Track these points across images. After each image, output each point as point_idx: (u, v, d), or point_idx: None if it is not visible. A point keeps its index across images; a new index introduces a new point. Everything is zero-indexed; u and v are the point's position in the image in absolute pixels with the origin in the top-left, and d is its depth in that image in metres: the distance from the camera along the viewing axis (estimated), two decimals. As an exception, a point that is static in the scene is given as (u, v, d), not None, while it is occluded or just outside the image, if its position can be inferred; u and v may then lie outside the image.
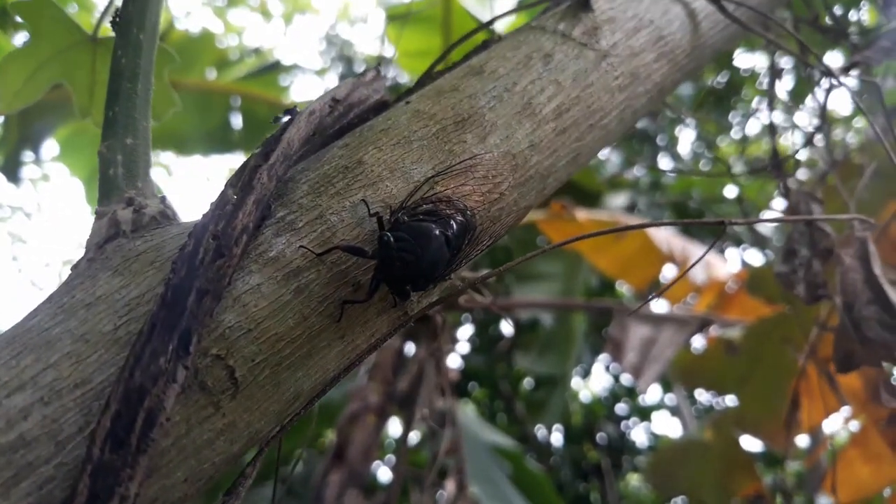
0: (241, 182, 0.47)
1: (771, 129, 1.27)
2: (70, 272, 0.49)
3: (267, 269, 0.47)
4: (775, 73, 1.21)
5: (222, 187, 0.48)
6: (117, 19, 0.58)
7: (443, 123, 0.58)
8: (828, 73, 0.83)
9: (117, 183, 0.51)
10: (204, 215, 0.46)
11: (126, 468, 0.37)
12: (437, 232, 0.49)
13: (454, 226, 0.51)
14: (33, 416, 0.39)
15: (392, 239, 0.47)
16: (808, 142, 1.02)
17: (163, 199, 0.53)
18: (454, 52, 0.73)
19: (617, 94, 0.68)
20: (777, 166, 1.21)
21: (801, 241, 0.99)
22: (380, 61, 0.66)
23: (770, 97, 1.20)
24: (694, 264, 0.63)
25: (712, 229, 4.27)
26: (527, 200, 0.62)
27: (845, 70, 0.98)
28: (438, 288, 0.56)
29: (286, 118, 0.54)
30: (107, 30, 0.80)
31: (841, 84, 0.84)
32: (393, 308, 0.53)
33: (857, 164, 1.39)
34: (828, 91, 0.93)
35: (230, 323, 0.45)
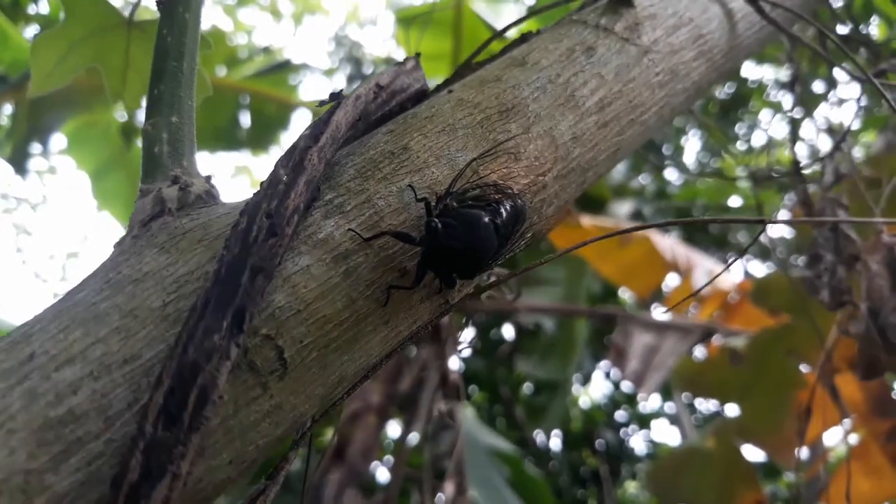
0: (291, 162, 0.47)
1: (792, 135, 1.27)
2: (114, 249, 0.48)
3: (316, 251, 0.46)
4: (796, 78, 1.20)
5: (273, 167, 0.47)
6: (162, -1, 0.58)
7: (487, 112, 0.58)
8: (863, 75, 0.83)
9: (162, 161, 0.51)
10: (256, 194, 0.46)
11: (179, 445, 0.36)
12: (487, 219, 0.49)
13: (503, 212, 0.50)
14: (83, 391, 0.38)
15: (440, 225, 0.47)
16: (837, 146, 1.02)
17: (208, 178, 0.52)
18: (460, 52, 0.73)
19: (657, 90, 0.68)
20: (797, 173, 1.21)
21: (825, 247, 0.99)
22: (418, 53, 0.66)
23: (794, 101, 1.20)
24: (734, 260, 0.62)
25: (717, 239, 4.27)
26: (567, 193, 0.61)
27: (878, 75, 0.97)
28: (479, 277, 0.55)
29: (332, 101, 0.54)
30: (143, 13, 0.79)
31: (874, 84, 0.83)
32: (435, 295, 0.53)
33: (869, 177, 1.39)
34: (859, 97, 0.93)
35: (280, 303, 0.44)
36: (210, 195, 0.50)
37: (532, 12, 0.76)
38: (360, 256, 0.48)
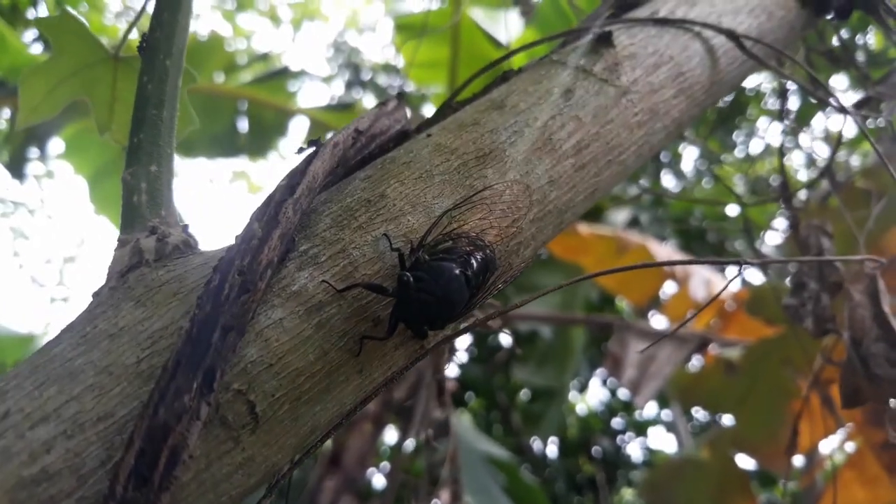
0: (266, 216, 0.47)
1: (780, 160, 1.27)
2: (91, 299, 0.49)
3: (290, 304, 0.47)
4: (785, 105, 1.21)
5: (247, 221, 0.48)
6: (143, 45, 0.59)
7: (464, 158, 0.59)
8: (842, 109, 0.84)
9: (141, 211, 0.52)
10: (229, 249, 0.47)
11: (148, 506, 0.37)
12: (457, 272, 0.50)
13: (474, 264, 0.51)
14: (56, 450, 0.39)
15: (411, 279, 0.48)
16: (822, 174, 1.02)
17: (185, 227, 0.53)
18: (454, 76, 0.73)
19: (636, 130, 0.69)
20: (787, 199, 1.22)
21: (809, 275, 0.99)
22: (400, 92, 0.66)
23: (781, 121, 1.21)
24: (714, 298, 0.63)
25: (714, 247, 4.27)
26: (544, 235, 0.62)
27: (859, 106, 0.98)
28: (455, 325, 0.56)
29: (310, 149, 0.55)
30: (129, 48, 0.80)
31: (854, 119, 0.84)
32: (410, 341, 0.54)
33: (861, 189, 1.39)
34: (840, 128, 0.94)
35: (252, 357, 0.45)
36: (188, 244, 0.51)
37: (512, 51, 0.77)
38: (333, 308, 0.48)
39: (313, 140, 0.55)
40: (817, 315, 0.98)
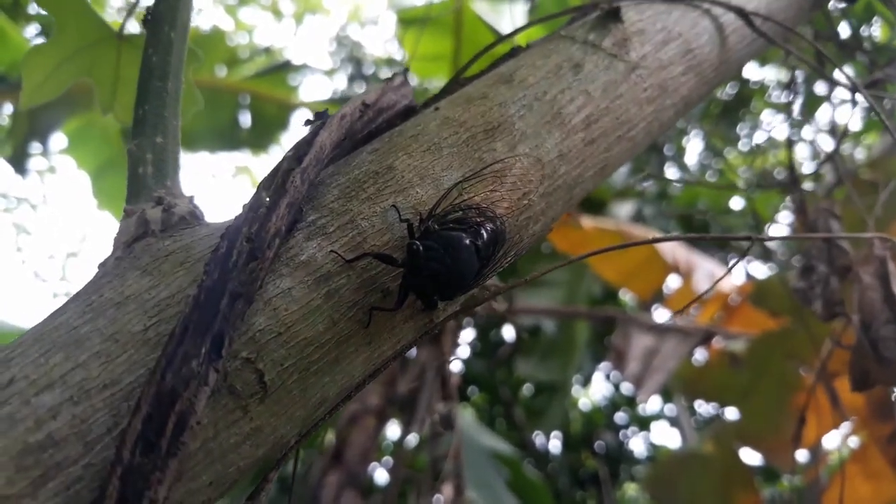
0: (274, 185, 0.47)
1: (788, 144, 1.27)
2: (97, 270, 0.48)
3: (298, 273, 0.47)
4: (794, 88, 1.20)
5: (255, 189, 0.47)
6: (148, 17, 0.58)
7: (472, 131, 0.58)
8: (853, 88, 0.83)
9: (146, 181, 0.51)
10: (237, 217, 0.46)
11: (156, 472, 0.37)
12: (468, 241, 0.49)
13: (484, 235, 0.51)
14: (62, 416, 0.38)
15: (421, 248, 0.47)
16: (829, 157, 1.02)
17: (191, 199, 0.52)
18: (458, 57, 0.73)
19: (645, 106, 0.68)
20: (794, 182, 1.21)
21: (818, 258, 0.99)
22: (406, 68, 0.66)
23: (788, 112, 1.20)
24: (721, 278, 0.62)
25: (717, 241, 4.27)
26: (554, 210, 0.61)
27: (868, 86, 0.97)
28: (465, 296, 0.55)
29: (317, 121, 0.54)
30: (133, 28, 0.79)
31: (865, 97, 0.83)
32: (419, 314, 0.53)
33: (867, 180, 1.38)
34: (851, 105, 0.93)
35: (261, 326, 0.44)
36: (194, 216, 0.51)
37: (519, 29, 0.76)
38: (342, 278, 0.48)
39: (320, 112, 0.55)
40: (826, 298, 0.97)
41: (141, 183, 0.51)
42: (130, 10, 0.76)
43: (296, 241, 0.48)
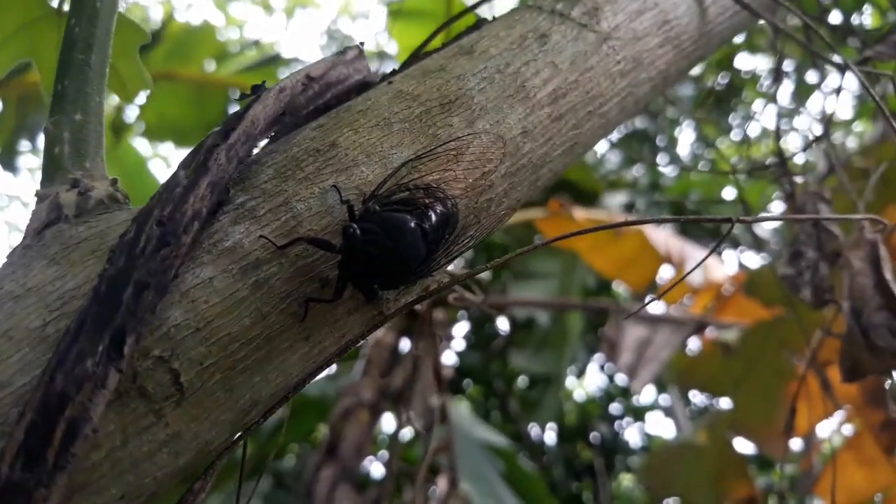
0: (195, 163, 0.42)
1: (776, 129, 1.22)
2: (5, 260, 0.44)
3: (221, 261, 0.42)
4: (780, 69, 1.16)
5: (174, 169, 0.43)
6: (72, -16, 0.53)
7: (427, 105, 0.53)
8: (844, 65, 0.78)
9: (62, 163, 0.46)
10: (151, 198, 0.41)
11: (40, 488, 0.32)
12: (413, 224, 0.44)
13: (432, 217, 0.46)
14: (-59, 425, 0.34)
15: (358, 231, 0.42)
16: (819, 139, 0.97)
17: (114, 181, 0.47)
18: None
19: (618, 79, 0.63)
20: (782, 165, 1.17)
21: (807, 243, 0.94)
22: (362, 42, 0.61)
23: (774, 93, 1.15)
24: (700, 263, 0.58)
25: (711, 231, 4.24)
26: (518, 192, 0.57)
27: (859, 64, 0.93)
28: (419, 286, 0.50)
29: (252, 95, 0.49)
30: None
31: (856, 74, 0.79)
32: (365, 306, 0.48)
33: (859, 168, 1.34)
34: (838, 88, 0.88)
35: (176, 321, 0.40)
36: (113, 199, 0.46)
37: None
38: (272, 266, 0.43)
39: (256, 85, 0.50)
40: (815, 285, 0.93)
41: (56, 164, 0.46)
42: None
43: (220, 225, 0.43)
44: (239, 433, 0.44)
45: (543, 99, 0.58)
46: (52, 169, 0.46)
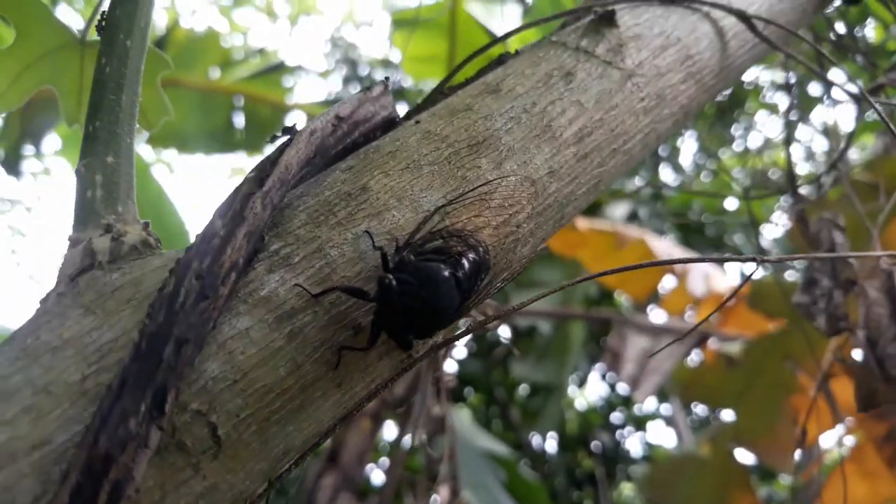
0: (231, 212, 0.42)
1: (787, 154, 1.22)
2: (38, 306, 0.44)
3: (257, 311, 0.42)
4: (793, 94, 1.16)
5: (210, 217, 0.43)
6: (102, 24, 0.53)
7: (455, 147, 0.53)
8: (861, 96, 0.79)
9: (95, 207, 0.46)
10: (188, 249, 0.41)
11: (86, 551, 0.32)
12: (447, 273, 0.44)
13: (466, 265, 0.46)
14: (-17, 484, 0.34)
15: (394, 282, 0.42)
16: (833, 165, 0.97)
17: (145, 225, 0.48)
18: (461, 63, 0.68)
19: (642, 116, 0.63)
20: (792, 187, 1.17)
21: (822, 271, 0.94)
22: (387, 77, 0.61)
23: (787, 116, 1.16)
24: (727, 300, 0.58)
25: (713, 240, 4.24)
26: (543, 231, 0.57)
27: (873, 91, 0.93)
28: (448, 330, 0.51)
29: (284, 138, 0.49)
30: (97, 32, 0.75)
31: (872, 106, 0.79)
32: (395, 350, 0.48)
33: (865, 182, 1.34)
34: (857, 111, 0.89)
35: (213, 373, 0.40)
36: (146, 245, 0.46)
37: (511, 32, 0.71)
38: (307, 315, 0.43)
39: (288, 127, 0.50)
40: (830, 313, 0.93)
41: (89, 208, 0.46)
42: (93, 14, 0.71)
43: (256, 273, 0.43)
44: (269, 481, 0.44)
45: (569, 138, 0.58)
46: (84, 213, 0.46)
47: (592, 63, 0.62)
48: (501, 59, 0.66)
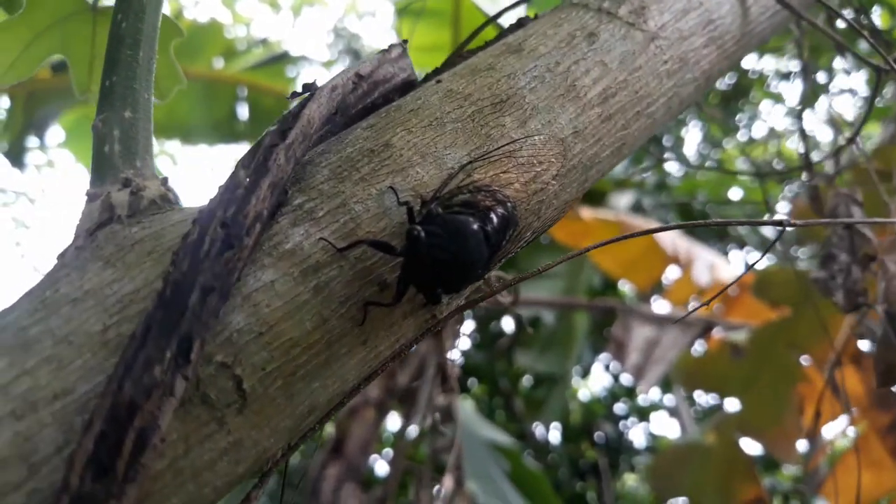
0: (254, 163, 0.41)
1: (801, 129, 1.21)
2: (55, 262, 0.42)
3: (282, 264, 0.41)
4: (809, 67, 1.15)
5: (233, 168, 0.41)
6: (117, -22, 0.52)
7: (479, 105, 0.52)
8: (886, 68, 0.77)
9: (113, 161, 0.45)
10: (211, 200, 0.40)
11: (111, 500, 0.31)
12: (476, 227, 0.43)
13: (494, 220, 0.45)
14: (3, 433, 0.33)
15: (423, 234, 0.41)
16: (852, 140, 0.96)
17: (164, 180, 0.46)
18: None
19: (665, 79, 0.62)
20: (808, 168, 1.16)
21: (840, 246, 0.93)
22: (405, 40, 0.60)
23: (803, 93, 1.14)
24: (747, 271, 0.56)
25: (718, 233, 4.22)
26: (568, 193, 0.56)
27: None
28: (471, 287, 0.49)
29: (305, 94, 0.48)
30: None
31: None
32: (420, 309, 0.47)
33: (877, 169, 1.33)
34: (874, 90, 0.87)
35: (238, 325, 0.38)
36: (166, 199, 0.45)
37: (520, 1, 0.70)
38: (332, 269, 0.42)
39: (308, 84, 0.49)
40: (848, 288, 0.91)
41: (107, 163, 0.45)
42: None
43: (279, 227, 0.42)
44: (295, 439, 0.43)
45: (594, 98, 0.56)
46: (102, 168, 0.45)
47: (615, 24, 0.61)
48: (521, 22, 0.64)
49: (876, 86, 0.88)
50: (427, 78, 0.60)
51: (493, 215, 0.45)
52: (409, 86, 0.59)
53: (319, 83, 0.49)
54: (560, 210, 0.55)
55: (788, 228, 0.57)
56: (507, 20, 0.73)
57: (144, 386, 0.33)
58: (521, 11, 0.78)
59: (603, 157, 0.58)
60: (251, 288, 0.39)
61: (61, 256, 0.43)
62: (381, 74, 0.55)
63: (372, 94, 0.54)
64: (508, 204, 0.46)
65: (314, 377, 0.41)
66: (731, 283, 0.59)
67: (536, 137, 0.51)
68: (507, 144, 0.49)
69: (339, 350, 0.42)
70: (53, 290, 0.39)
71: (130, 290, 0.38)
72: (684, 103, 0.67)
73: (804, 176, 1.18)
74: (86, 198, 0.44)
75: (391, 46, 0.59)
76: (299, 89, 0.49)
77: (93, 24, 0.73)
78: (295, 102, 0.48)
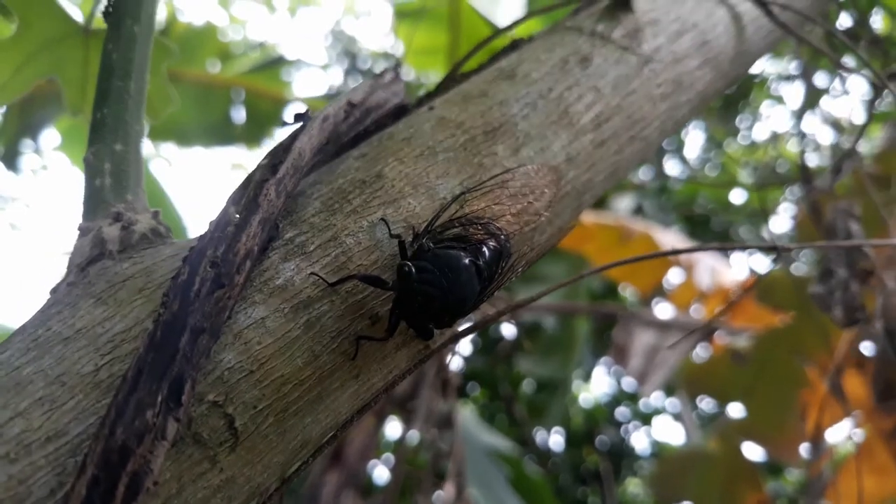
0: (245, 199, 0.41)
1: (801, 146, 1.21)
2: (48, 297, 0.43)
3: (273, 300, 0.41)
4: (809, 80, 1.15)
5: (224, 204, 0.42)
6: (109, 9, 0.52)
7: (471, 133, 0.52)
8: (879, 82, 0.77)
9: (104, 195, 0.45)
10: (201, 237, 0.40)
11: (103, 546, 0.31)
12: (467, 261, 0.43)
13: (486, 253, 0.45)
14: (-4, 477, 0.33)
15: (413, 269, 0.41)
16: (849, 154, 0.96)
17: (155, 213, 0.46)
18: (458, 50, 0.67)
19: (659, 102, 0.62)
20: (807, 181, 1.16)
21: (837, 262, 0.93)
22: (398, 63, 0.60)
23: (802, 104, 1.14)
24: (748, 290, 0.56)
25: (719, 235, 4.22)
26: (561, 220, 0.56)
27: (890, 77, 0.92)
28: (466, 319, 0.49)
29: (297, 124, 0.48)
30: (102, 21, 0.73)
31: (892, 91, 0.78)
32: (413, 340, 0.47)
33: (876, 174, 1.33)
34: (874, 99, 0.87)
35: (230, 363, 0.39)
36: (156, 233, 0.45)
37: (528, 14, 0.70)
38: (324, 304, 0.42)
39: (300, 113, 0.49)
40: (846, 304, 0.91)
41: (98, 196, 0.45)
42: (98, 2, 0.70)
43: (270, 262, 0.42)
44: (287, 474, 0.43)
45: (587, 125, 0.56)
46: (93, 202, 0.45)
47: (609, 48, 0.61)
48: (515, 45, 0.64)
49: (872, 100, 0.89)
50: (420, 102, 0.60)
51: (484, 248, 0.45)
52: (401, 110, 0.59)
53: (311, 113, 0.49)
54: (554, 237, 0.55)
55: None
56: (506, 20, 0.73)
57: (136, 430, 0.33)
58: (520, 13, 0.78)
59: (596, 183, 0.58)
60: (242, 325, 0.39)
61: (53, 292, 0.43)
62: (374, 101, 0.56)
63: (364, 122, 0.54)
64: (501, 236, 0.46)
65: (306, 413, 0.41)
66: (730, 305, 0.59)
67: (529, 166, 0.51)
68: (500, 175, 0.49)
69: (331, 385, 0.42)
70: (45, 329, 0.39)
71: (122, 328, 0.39)
72: (679, 124, 0.67)
73: (803, 189, 1.18)
74: (77, 232, 0.44)
75: (384, 71, 0.59)
76: (297, 95, 0.49)
77: (85, 46, 0.73)
78: (286, 132, 0.48)
